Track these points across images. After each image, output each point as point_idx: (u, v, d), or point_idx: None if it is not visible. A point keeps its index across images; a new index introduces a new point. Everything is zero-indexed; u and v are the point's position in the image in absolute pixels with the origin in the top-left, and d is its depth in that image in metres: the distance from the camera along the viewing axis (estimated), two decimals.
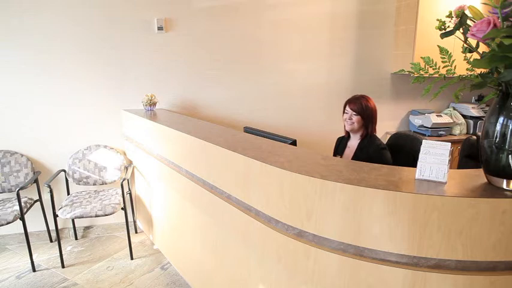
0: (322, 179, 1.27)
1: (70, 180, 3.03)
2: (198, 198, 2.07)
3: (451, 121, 3.77)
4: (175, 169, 2.29)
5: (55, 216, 2.66)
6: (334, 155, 2.49)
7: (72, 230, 3.15)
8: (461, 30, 1.13)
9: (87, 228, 3.27)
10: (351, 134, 2.38)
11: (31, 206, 2.81)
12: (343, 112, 2.35)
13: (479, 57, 1.09)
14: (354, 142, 2.36)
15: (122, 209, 2.76)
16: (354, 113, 2.26)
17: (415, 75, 1.28)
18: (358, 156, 2.28)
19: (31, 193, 2.92)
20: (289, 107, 3.59)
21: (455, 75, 1.20)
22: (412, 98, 3.97)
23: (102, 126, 3.14)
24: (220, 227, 1.91)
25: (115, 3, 2.98)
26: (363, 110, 2.25)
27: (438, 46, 1.25)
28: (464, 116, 3.89)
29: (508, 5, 1.00)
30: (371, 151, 2.22)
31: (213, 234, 2.00)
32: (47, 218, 3.02)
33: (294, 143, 1.84)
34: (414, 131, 3.75)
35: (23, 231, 2.63)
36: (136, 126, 2.93)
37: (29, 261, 2.67)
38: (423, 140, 1.26)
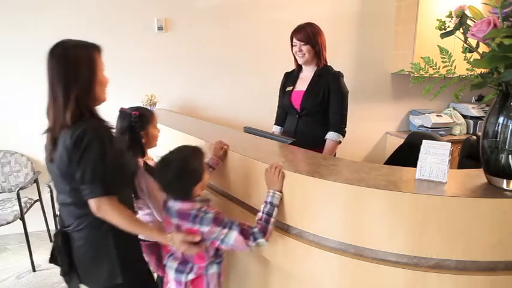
0: (322, 179, 1.27)
1: None
2: None
3: (451, 121, 3.77)
4: None
5: (55, 216, 2.66)
6: (283, 90, 2.37)
7: None
8: (461, 30, 1.13)
9: None
10: (304, 67, 2.28)
11: (31, 206, 2.81)
12: (292, 45, 2.23)
13: (479, 57, 1.09)
14: (307, 73, 2.27)
15: None
16: (302, 43, 2.15)
17: (415, 75, 1.28)
18: (315, 83, 2.20)
19: (31, 193, 2.92)
20: None
21: (455, 75, 1.20)
22: (412, 98, 3.97)
23: None
24: None
25: (115, 3, 2.98)
26: (310, 38, 2.14)
27: (438, 46, 1.25)
28: (464, 116, 3.89)
29: (508, 5, 1.01)
30: (330, 78, 2.18)
31: None
32: (47, 218, 3.02)
33: (294, 143, 1.84)
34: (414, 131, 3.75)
35: (23, 231, 2.63)
36: None
37: (29, 261, 2.68)
38: (423, 140, 1.26)
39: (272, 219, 1.33)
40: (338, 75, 2.20)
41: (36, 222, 3.01)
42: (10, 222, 2.54)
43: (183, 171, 1.32)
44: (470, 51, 1.16)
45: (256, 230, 1.31)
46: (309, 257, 1.35)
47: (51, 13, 2.86)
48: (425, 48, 3.43)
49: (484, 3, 1.08)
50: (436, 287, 1.15)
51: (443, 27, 1.16)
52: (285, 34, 3.55)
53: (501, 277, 1.12)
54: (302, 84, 2.27)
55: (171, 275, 1.41)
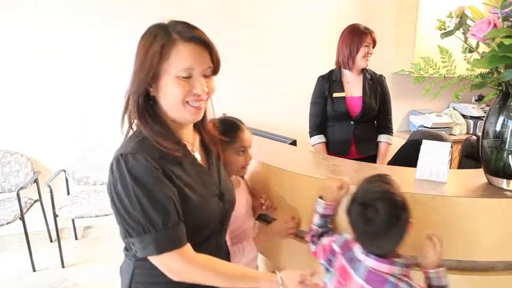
0: (322, 178, 1.27)
1: (70, 180, 3.03)
2: None
3: (451, 121, 3.77)
4: None
5: (55, 216, 2.65)
6: (329, 96, 2.17)
7: (72, 230, 3.15)
8: (461, 30, 1.13)
9: (87, 228, 3.26)
10: (346, 71, 2.19)
11: (31, 206, 2.81)
12: (362, 46, 2.08)
13: (479, 57, 1.09)
14: (351, 77, 2.20)
15: None
16: (372, 45, 2.12)
17: (415, 75, 1.28)
18: (369, 87, 2.17)
19: (31, 193, 2.92)
20: (290, 107, 3.59)
21: (455, 75, 1.20)
22: (412, 98, 3.97)
23: (102, 126, 3.14)
24: None
25: (115, 3, 2.98)
26: (375, 42, 2.15)
27: (438, 46, 1.26)
28: (464, 116, 3.88)
29: (508, 5, 1.01)
30: (379, 81, 2.21)
31: None
32: (47, 218, 3.01)
33: (294, 143, 1.84)
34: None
35: (23, 231, 2.63)
36: None
37: (29, 261, 2.67)
38: (423, 140, 1.26)
39: None
40: (384, 78, 2.26)
41: (36, 222, 3.01)
42: (10, 222, 2.54)
43: (395, 221, 0.93)
44: (470, 51, 1.16)
45: None
46: (309, 257, 1.35)
47: (50, 12, 2.86)
48: (425, 48, 3.43)
49: (484, 3, 1.08)
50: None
51: (443, 27, 1.16)
52: (285, 34, 3.57)
53: (501, 277, 1.12)
54: (352, 89, 2.18)
55: None
